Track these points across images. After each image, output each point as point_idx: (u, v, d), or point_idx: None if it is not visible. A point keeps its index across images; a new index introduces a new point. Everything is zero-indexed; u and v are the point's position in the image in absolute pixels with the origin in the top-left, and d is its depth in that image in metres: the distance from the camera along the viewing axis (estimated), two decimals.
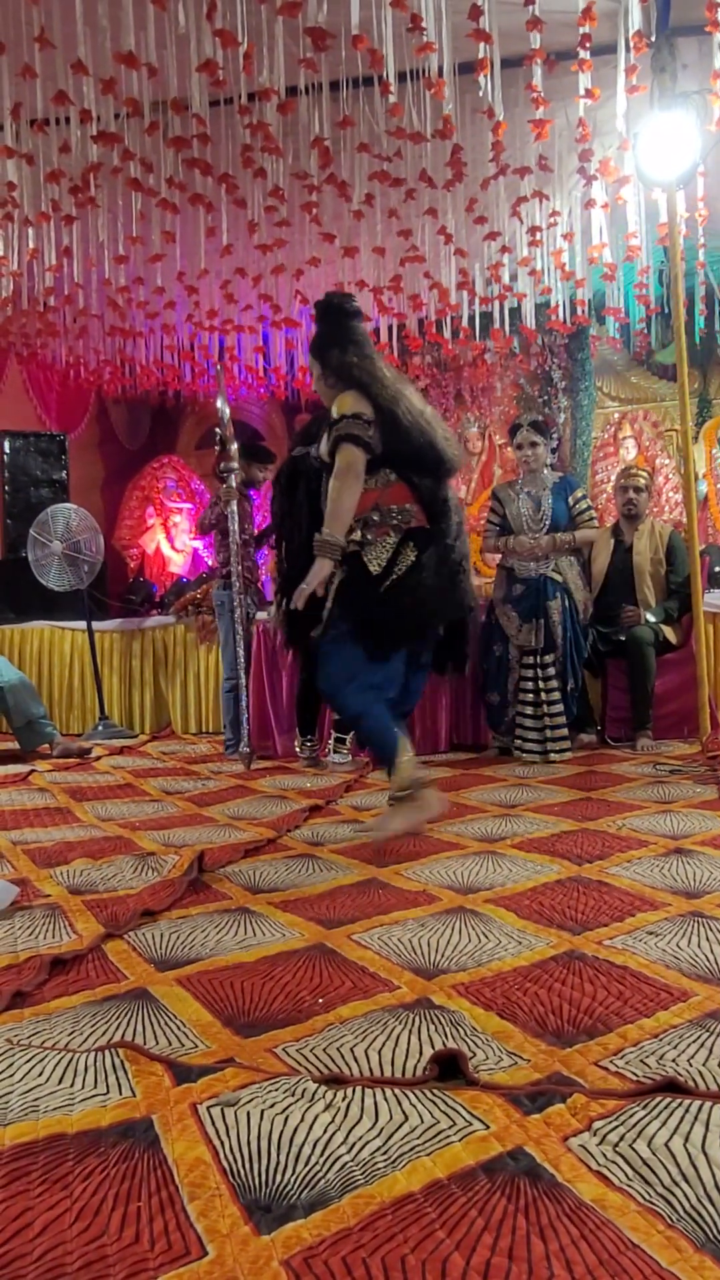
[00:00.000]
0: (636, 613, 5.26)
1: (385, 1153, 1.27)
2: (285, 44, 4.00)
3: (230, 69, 4.00)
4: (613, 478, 7.66)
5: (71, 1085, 1.48)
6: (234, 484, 5.17)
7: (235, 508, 5.20)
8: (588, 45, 4.12)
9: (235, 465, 5.17)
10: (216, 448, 5.05)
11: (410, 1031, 1.66)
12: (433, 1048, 1.59)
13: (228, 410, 5.18)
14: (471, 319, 7.08)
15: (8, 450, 8.39)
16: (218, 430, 5.12)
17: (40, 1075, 1.51)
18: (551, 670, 4.98)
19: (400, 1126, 1.33)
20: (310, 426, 4.54)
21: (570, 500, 5.15)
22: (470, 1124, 1.33)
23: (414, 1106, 1.38)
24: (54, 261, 5.78)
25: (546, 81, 4.24)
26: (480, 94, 4.03)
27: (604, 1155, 1.25)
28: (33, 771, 5.05)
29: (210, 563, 9.23)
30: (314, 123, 4.44)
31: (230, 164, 4.83)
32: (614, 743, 5.32)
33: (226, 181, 4.82)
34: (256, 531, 5.87)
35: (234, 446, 5.16)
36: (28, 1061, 1.56)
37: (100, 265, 6.01)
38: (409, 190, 5.16)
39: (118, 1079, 1.50)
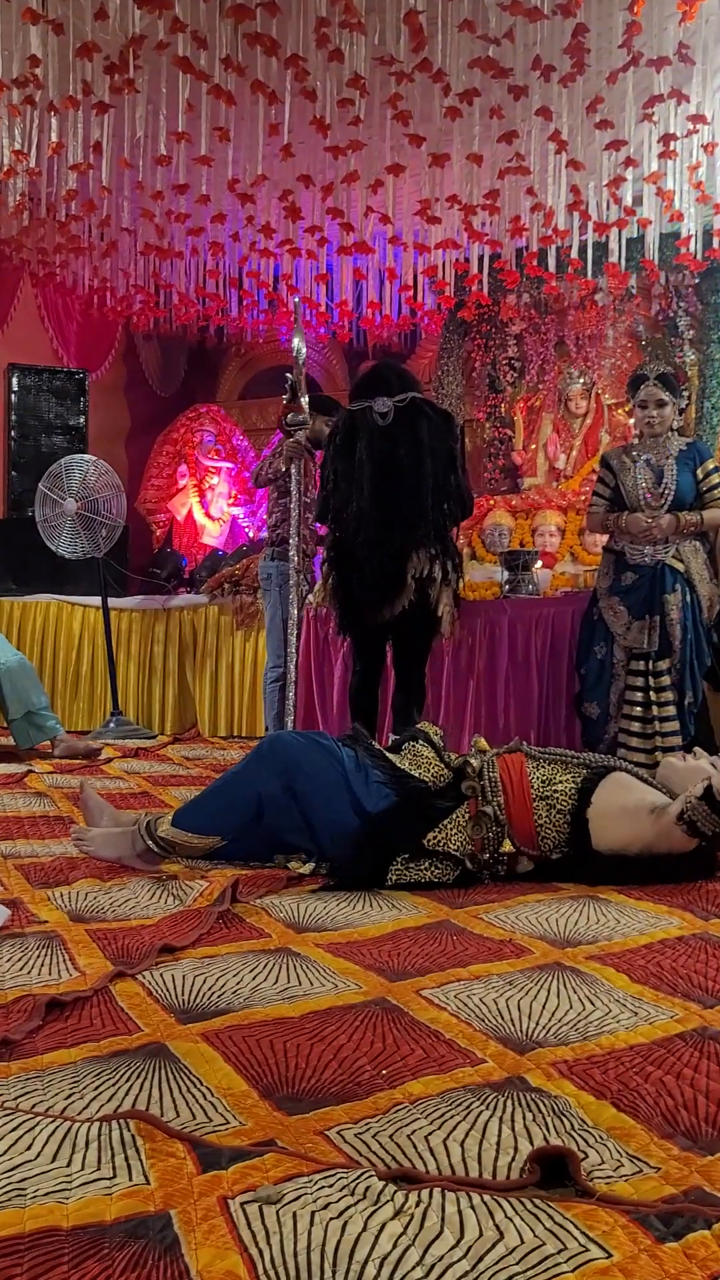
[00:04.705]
0: None
1: None
2: None
3: None
4: None
5: (68, 1164, 1.38)
6: (303, 440, 5.10)
7: (298, 467, 5.12)
8: None
9: (306, 418, 5.10)
10: (285, 396, 4.99)
11: (500, 1119, 1.55)
12: (531, 1142, 1.47)
13: (304, 350, 5.11)
14: (582, 250, 6.93)
15: (15, 388, 8.42)
16: (289, 375, 5.06)
17: (29, 1149, 1.42)
18: (666, 679, 4.83)
19: (493, 1246, 1.21)
20: (370, 377, 4.46)
21: (699, 473, 4.99)
22: (586, 1249, 1.21)
23: (509, 1220, 1.26)
24: (80, 159, 5.72)
25: None
26: None
27: None
28: (29, 772, 5.02)
29: (251, 534, 9.19)
30: None
31: (301, 45, 4.73)
32: None
33: (295, 66, 4.73)
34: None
35: (306, 398, 5.10)
36: (14, 1130, 1.46)
37: (136, 166, 5.95)
38: (515, 88, 5.02)
39: (127, 1159, 1.40)
